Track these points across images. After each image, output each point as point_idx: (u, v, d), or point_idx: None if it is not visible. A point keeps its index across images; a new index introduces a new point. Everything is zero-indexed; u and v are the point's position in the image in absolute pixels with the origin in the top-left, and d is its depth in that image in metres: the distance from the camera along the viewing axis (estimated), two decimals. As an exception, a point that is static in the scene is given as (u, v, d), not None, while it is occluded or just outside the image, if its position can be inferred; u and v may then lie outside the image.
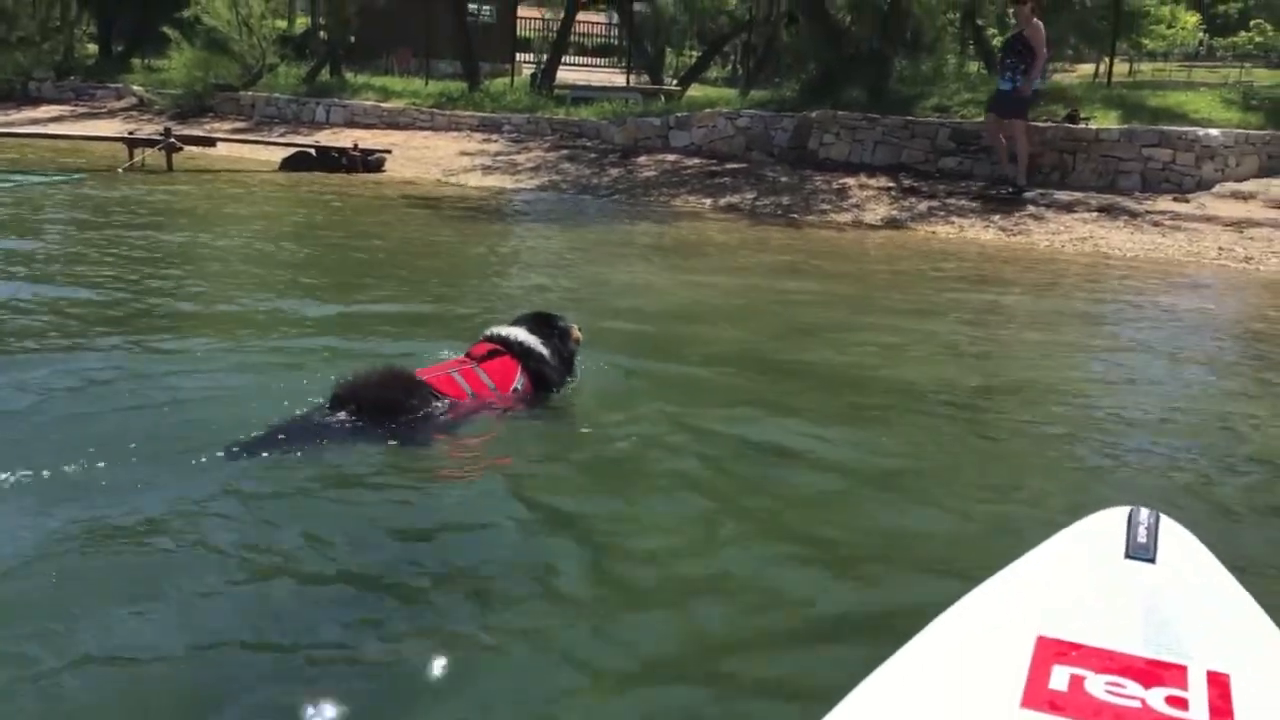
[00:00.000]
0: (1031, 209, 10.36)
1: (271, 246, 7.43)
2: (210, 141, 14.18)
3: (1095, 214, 9.99)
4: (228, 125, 17.60)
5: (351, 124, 17.13)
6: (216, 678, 2.00)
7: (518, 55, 28.54)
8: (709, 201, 11.40)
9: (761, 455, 3.41)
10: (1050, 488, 3.27)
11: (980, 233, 9.80)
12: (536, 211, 10.87)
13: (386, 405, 3.15)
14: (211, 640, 2.11)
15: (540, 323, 3.69)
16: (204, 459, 2.92)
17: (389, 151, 14.07)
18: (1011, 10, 11.09)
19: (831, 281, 7.15)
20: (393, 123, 16.95)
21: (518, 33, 30.04)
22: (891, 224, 10.31)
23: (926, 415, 3.97)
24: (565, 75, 24.74)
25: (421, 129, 16.57)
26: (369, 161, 13.43)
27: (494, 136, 15.74)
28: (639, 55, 24.56)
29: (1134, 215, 9.88)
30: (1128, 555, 1.58)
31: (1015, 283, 7.41)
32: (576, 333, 3.77)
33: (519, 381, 3.50)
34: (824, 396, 4.17)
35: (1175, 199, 10.36)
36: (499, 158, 14.25)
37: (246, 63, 19.58)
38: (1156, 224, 9.59)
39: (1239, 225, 9.37)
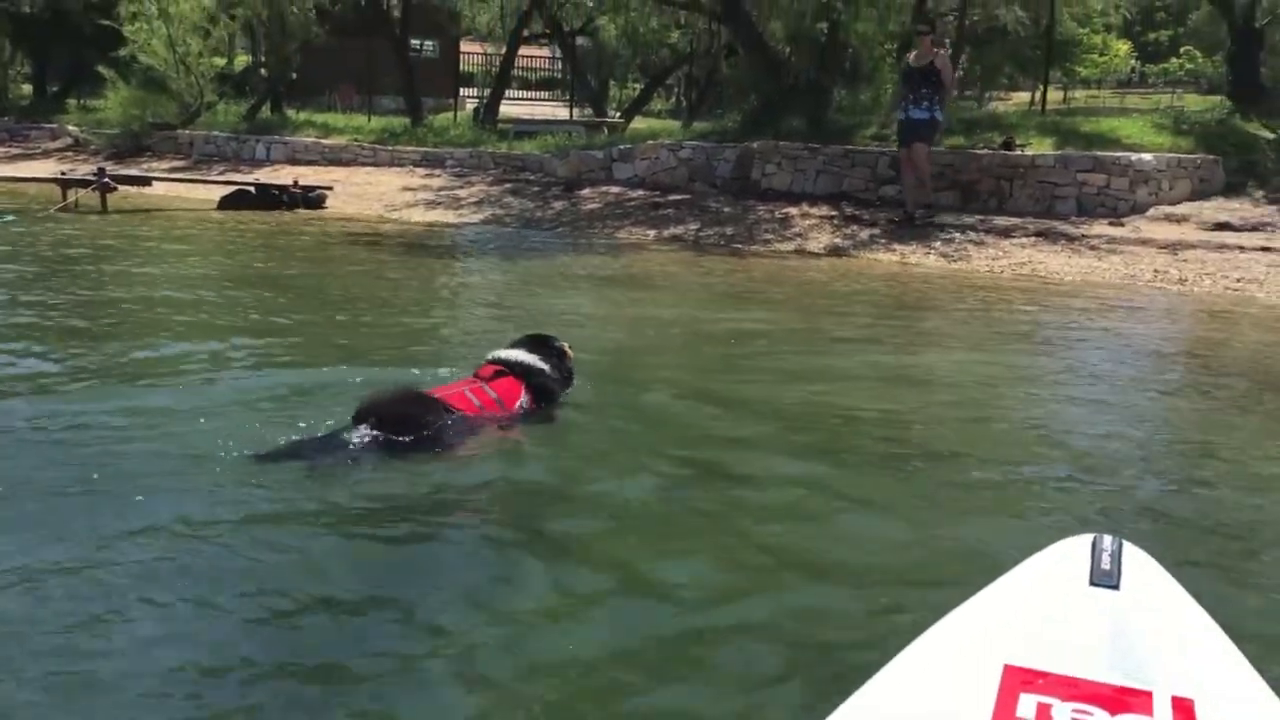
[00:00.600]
0: (972, 235, 10.47)
1: (208, 286, 7.28)
2: (146, 181, 13.96)
3: (1033, 239, 10.12)
4: (165, 164, 17.36)
5: (293, 161, 16.97)
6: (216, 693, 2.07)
7: (461, 90, 28.54)
8: (653, 233, 11.40)
9: (710, 486, 3.38)
10: (1007, 516, 3.26)
11: (922, 259, 9.87)
12: (480, 246, 10.80)
13: (406, 420, 3.41)
14: (218, 659, 2.18)
15: (538, 344, 4.09)
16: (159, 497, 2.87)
17: (330, 188, 13.94)
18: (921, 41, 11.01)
19: (776, 311, 7.14)
20: (335, 159, 16.83)
21: (461, 68, 30.05)
22: (834, 252, 10.36)
23: (876, 445, 3.95)
24: (509, 109, 24.76)
25: (364, 165, 16.47)
26: (310, 198, 13.29)
27: (437, 171, 15.67)
28: (582, 88, 24.65)
29: (1071, 239, 10.02)
30: (1092, 582, 1.59)
31: (957, 308, 7.46)
32: (569, 351, 4.18)
33: (523, 398, 3.87)
34: (772, 427, 4.13)
35: (1111, 223, 10.53)
36: (442, 192, 14.18)
37: (185, 101, 19.37)
38: (1093, 248, 9.73)
39: (1173, 248, 9.53)
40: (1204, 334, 6.83)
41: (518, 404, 3.84)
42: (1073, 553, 1.65)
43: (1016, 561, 1.70)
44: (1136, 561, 1.63)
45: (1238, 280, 8.46)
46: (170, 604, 2.37)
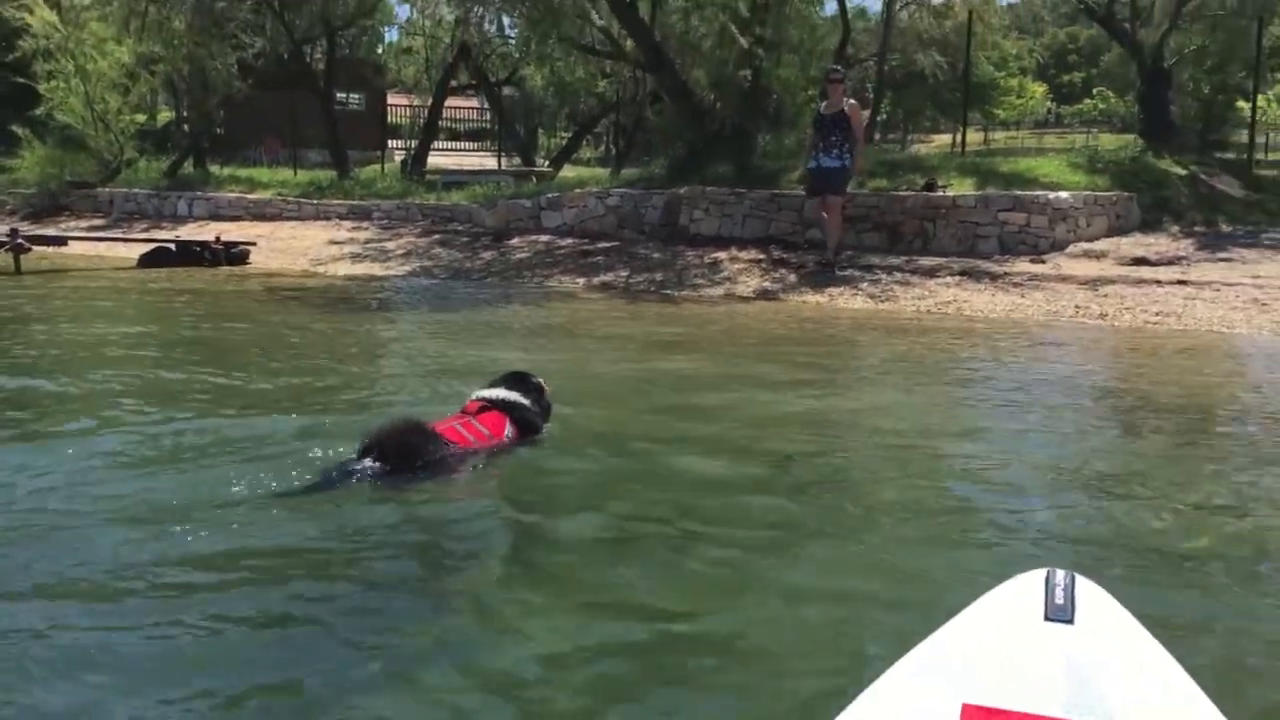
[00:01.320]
0: (898, 275, 10.58)
1: (122, 346, 7.06)
2: (62, 240, 13.64)
3: (958, 278, 10.25)
4: (84, 223, 17.01)
5: (216, 217, 16.72)
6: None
7: (390, 142, 28.48)
8: (582, 281, 11.36)
9: (647, 537, 3.33)
10: (948, 549, 3.25)
11: (850, 301, 9.94)
12: (407, 298, 10.67)
13: (408, 450, 3.75)
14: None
15: (518, 380, 4.44)
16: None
17: (254, 243, 13.73)
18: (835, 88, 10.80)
19: (706, 355, 7.11)
20: (259, 214, 16.60)
21: (389, 120, 30.00)
22: (764, 295, 10.40)
23: (815, 484, 3.92)
24: (438, 160, 24.74)
25: (289, 219, 16.26)
26: (232, 254, 13.06)
27: (364, 224, 15.52)
28: (510, 138, 24.70)
29: (994, 278, 10.17)
30: (1046, 617, 1.58)
31: (885, 349, 7.49)
32: (546, 386, 4.52)
33: (509, 430, 4.20)
34: (706, 469, 4.09)
35: (1032, 260, 10.71)
36: (369, 245, 14.03)
37: (104, 158, 19.05)
38: (1016, 285, 9.87)
39: (1093, 283, 9.71)
40: (1127, 367, 6.92)
41: (504, 435, 4.19)
42: (1026, 588, 1.64)
43: (962, 593, 1.69)
44: (1090, 595, 1.62)
45: (1156, 314, 8.62)
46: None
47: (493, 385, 4.38)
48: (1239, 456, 4.55)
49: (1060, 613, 1.57)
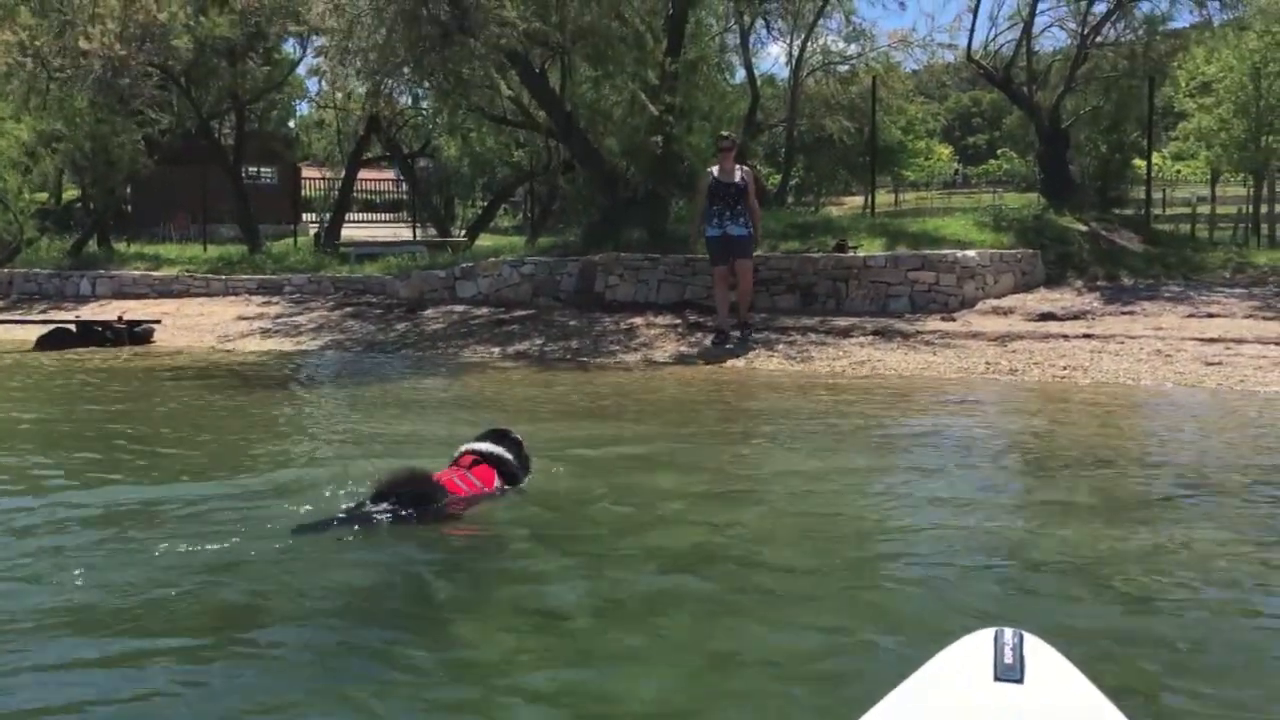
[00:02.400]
0: (813, 336, 10.62)
1: (12, 431, 6.74)
2: (-46, 324, 13.14)
3: (871, 337, 10.33)
4: (-20, 306, 16.44)
5: (120, 295, 16.29)
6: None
7: (304, 215, 28.18)
8: (497, 350, 11.22)
9: (576, 611, 3.27)
10: (886, 620, 3.21)
11: (765, 363, 9.94)
12: (317, 372, 10.43)
13: (418, 496, 4.25)
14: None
15: (500, 436, 4.90)
16: None
17: (158, 321, 13.37)
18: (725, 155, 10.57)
19: (620, 423, 7.01)
20: (165, 291, 16.21)
21: (303, 193, 29.72)
22: (680, 360, 10.35)
23: (734, 558, 3.84)
24: (354, 233, 24.54)
25: (197, 295, 15.91)
26: (136, 333, 12.69)
27: (274, 299, 15.23)
28: (425, 209, 24.58)
29: (906, 336, 10.26)
30: (996, 677, 1.58)
31: (802, 411, 7.46)
32: (524, 440, 4.97)
33: (497, 481, 4.66)
34: (626, 544, 4.01)
35: (943, 318, 10.85)
36: (279, 320, 13.75)
37: (3, 239, 18.49)
38: (928, 343, 9.97)
39: (1002, 339, 9.85)
40: (1037, 422, 6.98)
41: (495, 485, 4.65)
42: (975, 649, 1.65)
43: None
44: (1039, 654, 1.63)
45: (1064, 367, 8.74)
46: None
47: (479, 440, 4.83)
48: (1158, 510, 4.57)
49: (1010, 672, 1.58)
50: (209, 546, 3.84)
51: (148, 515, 4.36)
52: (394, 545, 3.98)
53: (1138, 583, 3.53)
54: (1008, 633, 1.65)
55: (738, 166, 10.58)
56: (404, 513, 4.15)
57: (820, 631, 3.10)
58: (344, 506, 4.28)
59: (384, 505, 4.17)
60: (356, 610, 3.31)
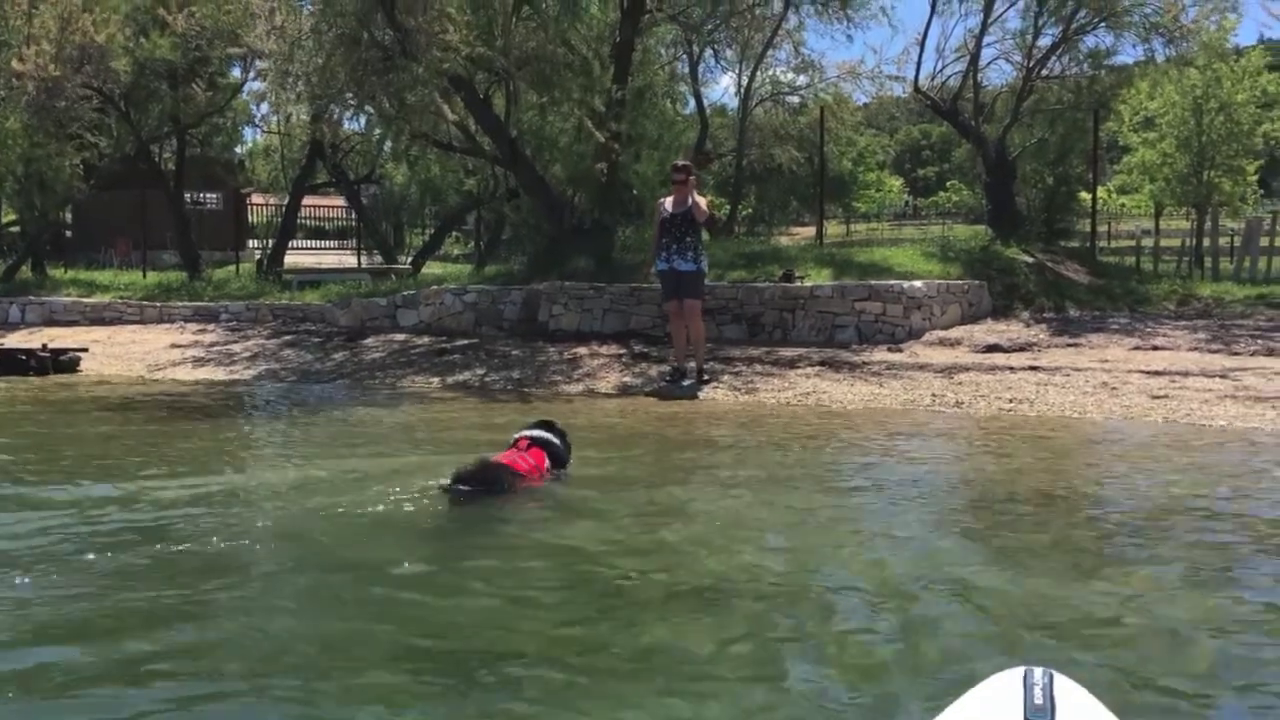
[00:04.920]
0: (759, 367, 10.44)
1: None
2: None
3: (817, 368, 10.17)
4: (-98, 332, 15.84)
5: (51, 322, 15.80)
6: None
7: (251, 242, 27.72)
8: (437, 381, 10.94)
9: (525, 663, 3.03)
10: (849, 675, 3.04)
11: (710, 393, 9.74)
12: (247, 403, 10.09)
13: (491, 480, 5.24)
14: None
15: (548, 425, 5.95)
16: None
17: (86, 349, 12.93)
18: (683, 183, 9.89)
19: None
20: (97, 318, 15.74)
21: (249, 219, 29.26)
22: (624, 391, 10.12)
23: (677, 602, 3.70)
24: (301, 259, 24.17)
25: (130, 323, 15.45)
26: (61, 362, 12.24)
27: (210, 326, 14.83)
28: (372, 236, 24.23)
29: (853, 367, 10.11)
30: (1027, 718, 1.56)
31: (744, 444, 7.26)
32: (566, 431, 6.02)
33: (547, 462, 5.66)
34: (584, 585, 3.87)
35: (889, 349, 10.73)
36: (214, 348, 13.36)
37: (-69, 264, 17.92)
38: (875, 374, 9.82)
39: (948, 371, 9.72)
40: (981, 458, 6.83)
41: (546, 466, 5.65)
42: (1005, 688, 1.63)
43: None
44: (1069, 694, 1.61)
45: (1010, 400, 8.62)
46: None
47: (530, 428, 5.87)
48: (1108, 554, 4.42)
49: (1040, 713, 1.56)
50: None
51: None
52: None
53: (1078, 627, 3.39)
54: (1037, 672, 1.62)
55: (692, 196, 9.89)
56: (477, 492, 5.12)
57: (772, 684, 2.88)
58: (436, 487, 5.24)
59: (462, 487, 5.12)
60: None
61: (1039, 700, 1.57)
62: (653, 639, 3.34)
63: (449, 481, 5.18)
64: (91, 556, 4.14)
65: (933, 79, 17.21)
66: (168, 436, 7.78)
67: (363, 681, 2.98)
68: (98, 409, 9.37)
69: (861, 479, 6.01)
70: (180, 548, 4.15)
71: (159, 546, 4.22)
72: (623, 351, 11.51)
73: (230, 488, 5.82)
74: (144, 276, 19.08)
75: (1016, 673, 1.65)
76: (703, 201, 10.17)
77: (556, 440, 5.78)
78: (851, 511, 5.24)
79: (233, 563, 4.23)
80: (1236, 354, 10.32)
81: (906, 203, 49.73)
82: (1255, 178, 24.64)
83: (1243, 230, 16.85)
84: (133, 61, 17.15)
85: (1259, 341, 10.84)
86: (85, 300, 16.40)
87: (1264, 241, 15.30)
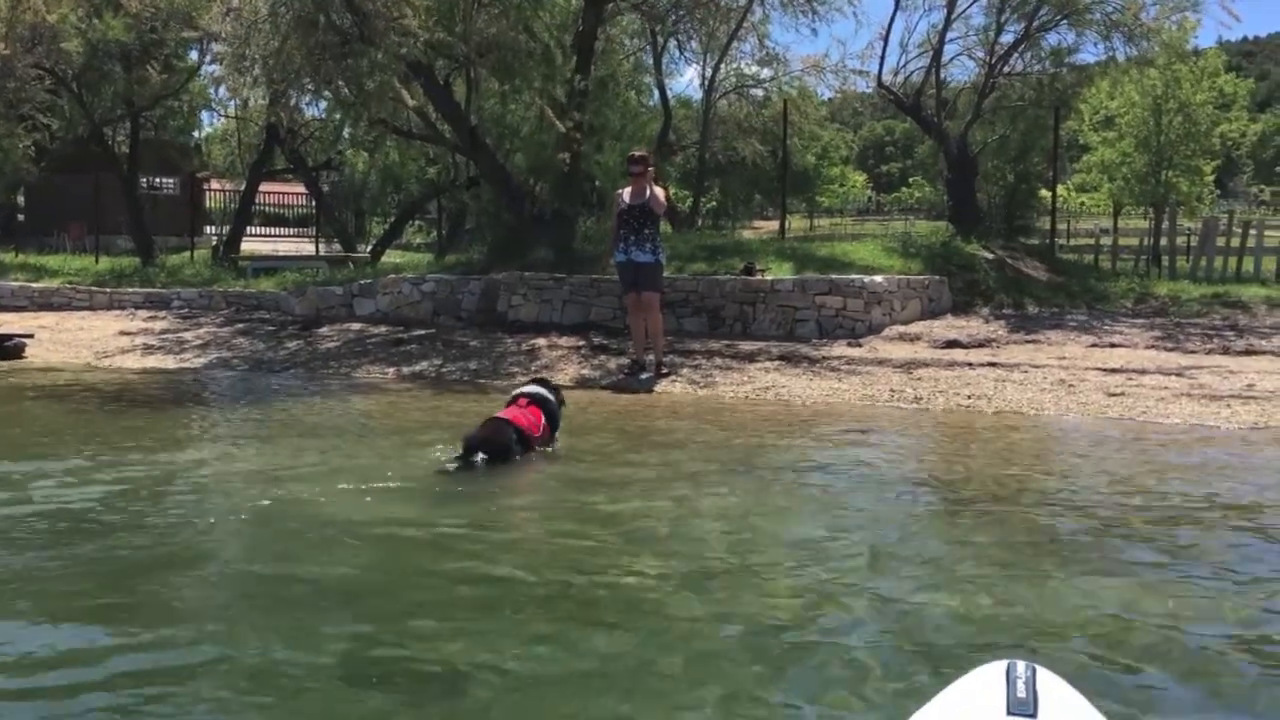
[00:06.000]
0: (718, 360, 10.36)
1: None
2: None
3: (777, 362, 10.10)
4: None
5: (-3, 307, 15.42)
6: None
7: (209, 228, 27.30)
8: (392, 371, 10.76)
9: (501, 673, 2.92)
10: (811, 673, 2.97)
11: (669, 386, 9.64)
12: (197, 392, 9.88)
13: (501, 446, 5.78)
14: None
15: (543, 383, 6.68)
16: None
17: (31, 335, 12.62)
18: (636, 174, 9.78)
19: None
20: (45, 304, 15.42)
21: (207, 205, 28.82)
22: (583, 383, 10.00)
23: (630, 606, 3.60)
24: (258, 247, 23.82)
25: (79, 309, 15.14)
26: (5, 348, 11.93)
27: (161, 313, 14.56)
28: (330, 223, 23.91)
29: (813, 362, 10.06)
30: (1009, 712, 1.56)
31: (702, 440, 7.17)
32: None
33: (542, 419, 6.17)
34: (545, 590, 3.72)
35: (849, 344, 10.69)
36: (165, 336, 13.09)
37: (-127, 245, 17.47)
38: (834, 369, 9.77)
39: (908, 367, 9.69)
40: (938, 454, 6.80)
41: (542, 424, 6.16)
42: (987, 682, 1.63)
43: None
44: (1052, 688, 1.61)
45: (969, 396, 8.59)
46: None
47: (528, 384, 6.55)
48: (1053, 549, 4.37)
49: (1023, 706, 1.55)
50: None
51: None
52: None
53: (1029, 627, 3.34)
54: (1020, 665, 1.62)
55: (650, 187, 9.75)
56: (489, 456, 5.63)
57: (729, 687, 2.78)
58: (448, 459, 5.66)
59: (478, 456, 5.56)
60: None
61: (1022, 694, 1.57)
62: (593, 645, 3.24)
63: (461, 452, 5.56)
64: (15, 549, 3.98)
65: (896, 74, 17.24)
66: (110, 425, 7.58)
67: (309, 687, 2.87)
68: (40, 396, 9.13)
69: (818, 475, 5.95)
70: (109, 541, 4.00)
71: (92, 544, 4.07)
72: (582, 343, 11.39)
73: (168, 475, 5.67)
74: (96, 262, 18.72)
75: (999, 666, 1.64)
76: (661, 193, 10.06)
77: (550, 395, 6.34)
78: (807, 505, 5.17)
79: (161, 560, 4.09)
80: (1192, 352, 10.38)
81: (869, 198, 49.95)
82: (1212, 178, 24.97)
83: (1199, 230, 16.99)
84: (85, 42, 16.79)
85: (1214, 340, 10.91)
86: (33, 285, 16.05)
87: (1220, 241, 15.41)
